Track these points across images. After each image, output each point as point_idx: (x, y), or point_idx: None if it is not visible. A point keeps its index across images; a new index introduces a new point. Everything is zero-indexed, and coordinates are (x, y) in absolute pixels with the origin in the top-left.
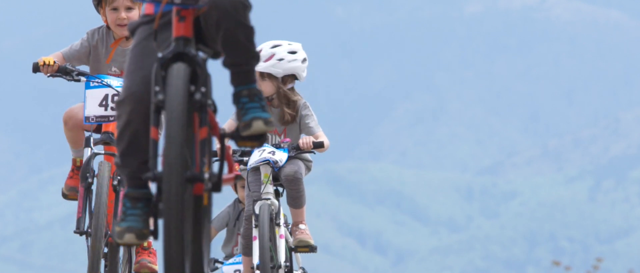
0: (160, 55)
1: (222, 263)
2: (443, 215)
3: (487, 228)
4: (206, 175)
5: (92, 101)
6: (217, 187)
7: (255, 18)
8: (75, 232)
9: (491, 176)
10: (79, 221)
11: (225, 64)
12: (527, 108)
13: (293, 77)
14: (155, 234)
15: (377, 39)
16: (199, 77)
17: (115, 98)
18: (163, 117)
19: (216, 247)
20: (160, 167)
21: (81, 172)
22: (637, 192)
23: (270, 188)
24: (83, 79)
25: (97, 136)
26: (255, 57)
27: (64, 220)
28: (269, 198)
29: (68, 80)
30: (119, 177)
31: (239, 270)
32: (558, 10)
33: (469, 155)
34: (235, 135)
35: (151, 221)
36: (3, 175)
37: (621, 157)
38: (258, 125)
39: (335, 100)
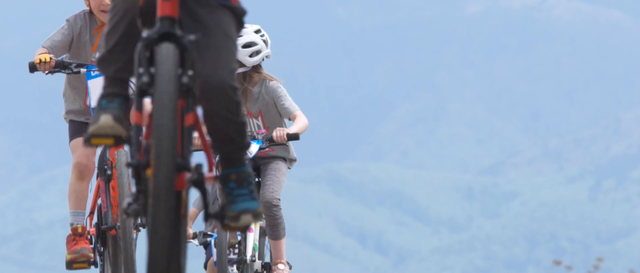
0: (144, 35)
1: (211, 236)
2: (444, 215)
3: (487, 228)
4: (193, 165)
5: (96, 91)
6: (200, 184)
7: (256, 18)
8: (103, 228)
9: (492, 176)
10: (106, 217)
11: (214, 149)
12: (528, 108)
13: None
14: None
15: (377, 39)
16: (186, 60)
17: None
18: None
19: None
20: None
21: (98, 165)
22: (637, 192)
23: None
24: (83, 70)
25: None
26: (246, 146)
27: (64, 220)
28: None
29: (67, 73)
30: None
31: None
32: (559, 10)
33: (470, 155)
34: (221, 221)
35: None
36: (3, 175)
37: (622, 157)
38: (246, 220)
39: (336, 100)
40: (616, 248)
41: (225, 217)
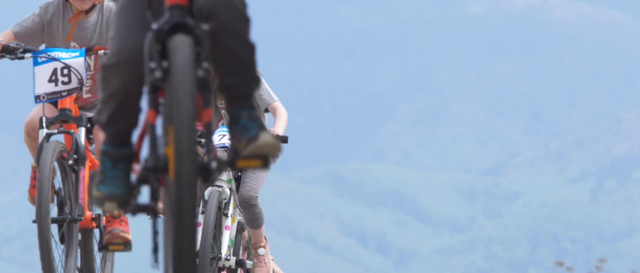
0: (154, 26)
1: None
2: (445, 215)
3: (489, 228)
4: (214, 165)
5: (42, 78)
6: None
7: (258, 18)
8: (34, 222)
9: (493, 177)
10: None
11: (221, 87)
12: (530, 108)
13: None
14: (156, 250)
15: (379, 39)
16: (201, 52)
17: (65, 70)
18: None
19: None
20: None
21: (36, 155)
22: (639, 193)
23: (224, 176)
24: (28, 55)
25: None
26: (256, 80)
27: None
28: (222, 186)
29: (11, 59)
30: (75, 156)
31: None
32: (560, 10)
33: (472, 156)
34: (232, 158)
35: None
36: (5, 175)
37: (623, 158)
38: (266, 138)
39: (338, 100)
40: (618, 248)
41: (238, 151)
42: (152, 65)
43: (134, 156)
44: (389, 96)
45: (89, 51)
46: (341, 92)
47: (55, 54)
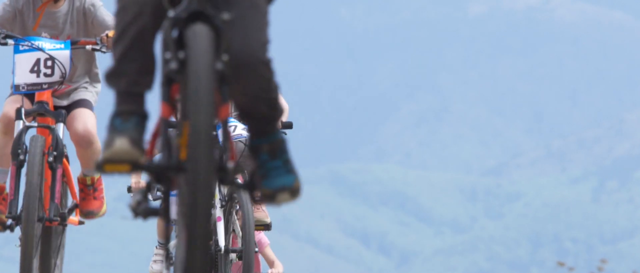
0: (171, 13)
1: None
2: (447, 216)
3: (491, 229)
4: (230, 165)
5: (22, 67)
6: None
7: None
8: (7, 217)
9: (495, 177)
10: (11, 205)
11: (241, 116)
12: (531, 109)
13: None
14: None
15: (381, 40)
16: (220, 43)
17: (49, 62)
18: None
19: None
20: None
21: (12, 148)
22: None
23: None
24: (11, 42)
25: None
26: (279, 116)
27: None
28: None
29: None
30: (54, 153)
31: None
32: (562, 11)
33: (473, 156)
34: (251, 193)
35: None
36: None
37: (625, 158)
38: (283, 198)
39: (339, 100)
40: (619, 249)
41: (258, 193)
42: (168, 55)
43: (145, 116)
44: (390, 96)
45: (74, 44)
46: (343, 92)
47: (39, 43)
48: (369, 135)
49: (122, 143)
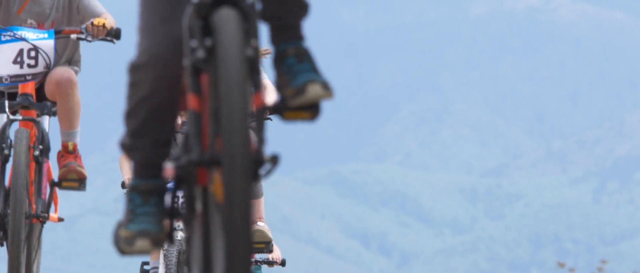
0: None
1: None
2: (447, 216)
3: (491, 229)
4: (266, 155)
5: (5, 58)
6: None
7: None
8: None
9: (496, 178)
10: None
11: (264, 16)
12: (532, 109)
13: None
14: (171, 237)
15: (381, 41)
16: (249, 27)
17: (32, 52)
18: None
19: None
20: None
21: None
22: None
23: None
24: None
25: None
26: (304, 7)
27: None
28: None
29: None
30: (40, 146)
31: (178, 197)
32: (563, 11)
33: (474, 157)
34: (280, 107)
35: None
36: None
37: (626, 159)
38: (314, 90)
39: (340, 101)
40: (620, 250)
41: (285, 100)
42: (194, 44)
43: (165, 190)
44: (391, 97)
45: (58, 33)
46: (343, 93)
47: (22, 33)
48: (370, 135)
49: (143, 245)
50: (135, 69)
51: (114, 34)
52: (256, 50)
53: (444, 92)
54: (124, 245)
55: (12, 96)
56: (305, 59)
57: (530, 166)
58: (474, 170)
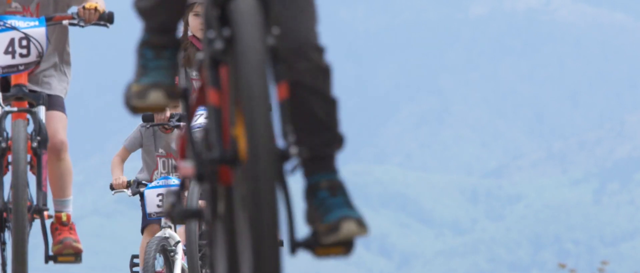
0: None
1: (145, 185)
2: (448, 217)
3: (492, 230)
4: (294, 150)
5: None
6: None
7: None
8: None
9: (496, 178)
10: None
11: (296, 144)
12: (532, 110)
13: None
14: (186, 93)
15: (381, 41)
16: (269, 16)
17: (24, 41)
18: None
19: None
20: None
21: None
22: None
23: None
24: None
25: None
26: (339, 140)
27: None
28: None
29: None
30: (38, 137)
31: (162, 195)
32: (563, 12)
33: (474, 158)
34: (311, 242)
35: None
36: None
37: (626, 160)
38: (349, 228)
39: (340, 102)
40: (620, 251)
41: (317, 236)
42: (211, 34)
43: (179, 44)
44: (391, 98)
45: (49, 20)
46: (343, 93)
47: (13, 22)
48: (370, 136)
49: (157, 97)
50: None
51: (107, 18)
52: (277, 38)
53: (444, 92)
54: (135, 99)
55: (4, 88)
56: (338, 192)
57: (531, 167)
58: (475, 171)
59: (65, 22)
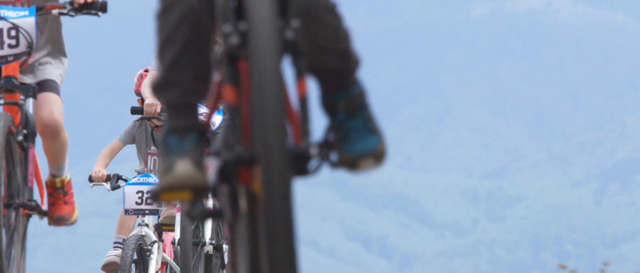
0: None
1: (125, 181)
2: (448, 218)
3: (492, 232)
4: (314, 149)
5: None
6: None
7: None
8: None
9: (497, 180)
10: None
11: (311, 67)
12: (533, 111)
13: None
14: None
15: (382, 42)
16: (288, 6)
17: (12, 31)
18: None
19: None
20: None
21: None
22: None
23: None
24: None
25: None
26: (354, 67)
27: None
28: None
29: None
30: (25, 131)
31: (142, 192)
32: (564, 13)
33: (475, 159)
34: (335, 165)
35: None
36: None
37: (627, 161)
38: (367, 166)
39: None
40: (621, 252)
41: (339, 161)
42: (227, 28)
43: (203, 129)
44: (391, 99)
45: (39, 10)
46: None
47: (2, 12)
48: None
49: (184, 168)
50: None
51: (100, 7)
52: (298, 32)
53: (445, 94)
54: (162, 179)
55: None
56: (357, 113)
57: (531, 168)
58: (475, 172)
59: (55, 11)
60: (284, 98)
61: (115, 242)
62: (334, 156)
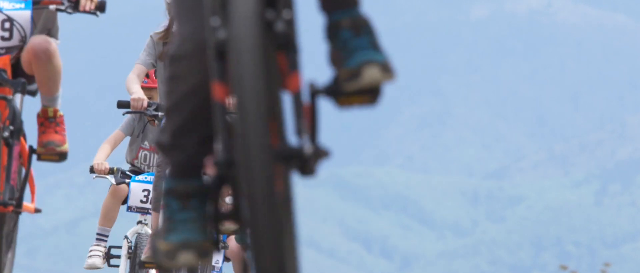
0: None
1: (130, 177)
2: (449, 219)
3: (493, 232)
4: (308, 148)
5: None
6: (309, 168)
7: None
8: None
9: (497, 180)
10: None
11: None
12: (534, 112)
13: None
14: (217, 245)
15: (382, 43)
16: None
17: (7, 24)
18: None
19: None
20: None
21: None
22: None
23: None
24: None
25: None
26: None
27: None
28: None
29: None
30: (11, 127)
31: (148, 191)
32: (564, 14)
33: (475, 160)
34: (333, 90)
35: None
36: None
37: (628, 161)
38: (372, 74)
39: None
40: (622, 252)
41: (339, 83)
42: (215, 22)
43: (208, 192)
44: (392, 100)
45: (36, 4)
46: None
47: None
48: (371, 138)
49: (187, 259)
50: (176, 60)
51: (99, 7)
52: (289, 23)
53: (445, 94)
54: (164, 259)
55: None
56: (363, 31)
57: (532, 168)
58: (476, 172)
59: (52, 7)
60: (268, 94)
61: (98, 234)
62: (334, 83)
